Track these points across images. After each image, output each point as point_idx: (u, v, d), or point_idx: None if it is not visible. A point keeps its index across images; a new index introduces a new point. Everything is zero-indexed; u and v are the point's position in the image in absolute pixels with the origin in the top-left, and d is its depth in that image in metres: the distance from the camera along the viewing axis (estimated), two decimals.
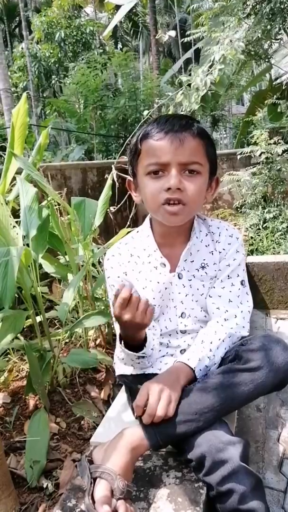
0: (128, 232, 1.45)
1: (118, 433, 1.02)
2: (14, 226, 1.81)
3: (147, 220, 1.29)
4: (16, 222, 1.86)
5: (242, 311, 1.23)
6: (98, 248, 2.19)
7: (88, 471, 0.93)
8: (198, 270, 1.25)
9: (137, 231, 1.32)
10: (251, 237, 3.69)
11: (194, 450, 0.98)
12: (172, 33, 14.26)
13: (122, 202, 2.68)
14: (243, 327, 1.22)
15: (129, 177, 1.24)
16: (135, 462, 1.00)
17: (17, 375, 1.90)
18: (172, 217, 1.11)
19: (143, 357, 1.13)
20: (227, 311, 1.22)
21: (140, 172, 1.14)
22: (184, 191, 1.08)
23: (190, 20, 14.37)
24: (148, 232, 1.26)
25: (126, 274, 1.25)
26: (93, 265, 2.25)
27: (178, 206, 1.09)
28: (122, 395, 1.41)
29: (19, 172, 2.10)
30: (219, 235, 1.25)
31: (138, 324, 0.99)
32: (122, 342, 1.10)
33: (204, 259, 1.24)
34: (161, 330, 1.29)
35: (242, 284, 1.25)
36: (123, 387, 1.39)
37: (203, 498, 0.96)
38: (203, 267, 1.24)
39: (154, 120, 1.14)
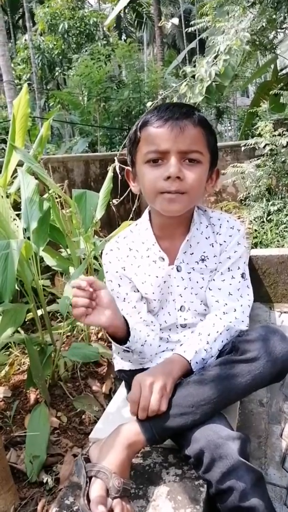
0: (129, 224, 1.43)
1: (114, 429, 1.00)
2: (14, 219, 1.80)
3: (145, 212, 1.25)
4: (17, 215, 1.85)
5: (242, 305, 1.20)
6: (100, 241, 2.17)
7: (84, 470, 0.91)
8: (197, 263, 1.22)
9: (136, 224, 1.29)
10: (255, 230, 3.66)
11: (192, 446, 0.96)
12: (175, 20, 14.12)
13: (125, 194, 2.67)
14: (242, 321, 1.18)
15: (128, 167, 1.21)
16: (131, 459, 0.98)
17: (18, 369, 1.90)
18: (170, 205, 1.07)
19: (128, 351, 1.10)
20: (226, 304, 1.19)
21: (139, 160, 1.11)
22: (184, 180, 1.05)
23: (195, 10, 14.23)
24: (146, 225, 1.23)
25: (124, 269, 1.23)
26: (95, 258, 2.23)
27: (177, 194, 1.06)
28: (122, 390, 1.39)
29: (20, 164, 2.08)
30: (220, 226, 1.22)
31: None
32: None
33: (204, 252, 1.21)
34: (160, 324, 1.26)
35: (242, 277, 1.21)
36: (124, 382, 1.37)
37: (203, 496, 0.94)
38: (203, 260, 1.21)
39: (154, 108, 1.11)
